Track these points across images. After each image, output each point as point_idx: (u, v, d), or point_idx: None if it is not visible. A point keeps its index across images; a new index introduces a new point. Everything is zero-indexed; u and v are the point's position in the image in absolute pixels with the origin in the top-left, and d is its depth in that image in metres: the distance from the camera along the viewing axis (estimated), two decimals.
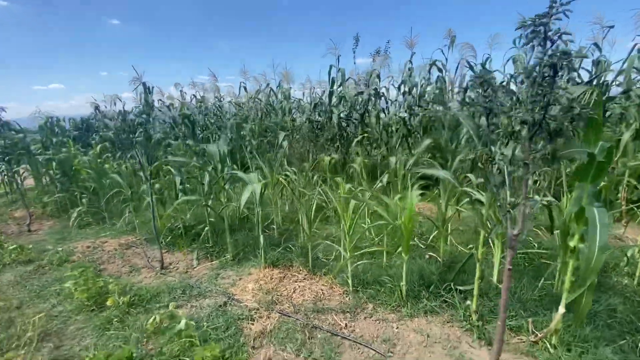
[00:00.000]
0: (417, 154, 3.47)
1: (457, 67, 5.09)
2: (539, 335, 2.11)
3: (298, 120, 6.58)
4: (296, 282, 2.94)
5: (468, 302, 2.41)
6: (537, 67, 1.33)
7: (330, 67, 6.36)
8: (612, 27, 4.66)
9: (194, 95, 9.02)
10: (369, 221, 3.77)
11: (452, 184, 2.72)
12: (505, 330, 1.82)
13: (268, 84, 7.62)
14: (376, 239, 3.57)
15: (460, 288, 2.56)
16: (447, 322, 2.39)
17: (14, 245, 3.86)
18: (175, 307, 2.53)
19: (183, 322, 2.24)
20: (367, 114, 5.64)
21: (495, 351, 1.75)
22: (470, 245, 3.29)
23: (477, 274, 2.28)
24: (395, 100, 6.08)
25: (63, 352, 2.27)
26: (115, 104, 9.93)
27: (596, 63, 4.84)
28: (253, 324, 2.41)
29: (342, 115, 5.93)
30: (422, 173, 3.61)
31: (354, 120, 5.98)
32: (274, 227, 4.11)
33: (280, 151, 4.38)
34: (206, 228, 3.86)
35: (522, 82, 1.42)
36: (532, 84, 1.35)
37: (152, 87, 7.46)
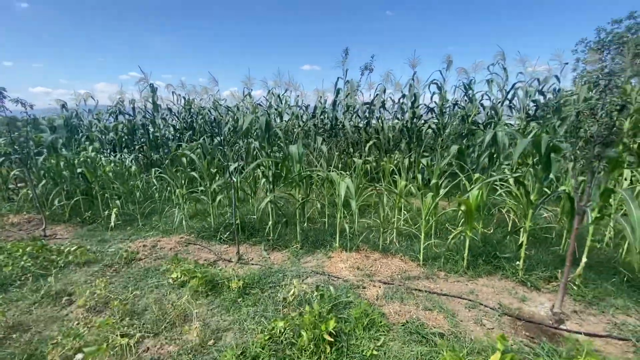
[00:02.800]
0: (449, 157, 4.38)
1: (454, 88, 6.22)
2: (568, 277, 3.09)
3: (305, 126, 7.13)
4: (375, 260, 3.58)
5: (517, 262, 3.32)
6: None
7: (337, 78, 7.09)
8: None
9: (183, 96, 8.96)
10: (405, 212, 4.58)
11: (486, 179, 3.64)
12: (569, 274, 2.70)
13: (270, 90, 8.04)
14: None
15: (505, 256, 3.48)
16: (502, 279, 3.27)
17: (75, 246, 3.80)
18: (297, 283, 2.99)
19: (318, 294, 2.74)
20: (379, 122, 6.47)
21: (561, 289, 2.64)
22: (489, 227, 4.29)
23: (524, 242, 3.20)
24: (397, 110, 7.04)
25: (221, 326, 2.59)
26: (85, 101, 9.39)
27: None
28: (366, 290, 3.01)
29: (354, 123, 6.67)
30: (449, 172, 4.54)
31: (364, 127, 6.78)
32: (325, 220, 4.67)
33: (320, 153, 4.94)
34: (269, 222, 4.26)
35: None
36: (599, 117, 2.26)
37: (157, 87, 7.39)
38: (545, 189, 3.55)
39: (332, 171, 4.60)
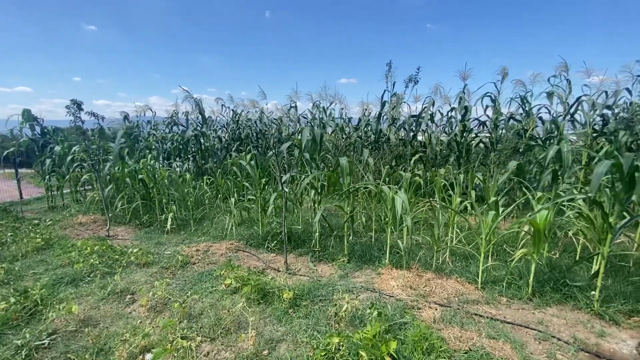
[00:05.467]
0: (508, 173, 4.12)
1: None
2: None
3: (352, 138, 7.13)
4: (429, 280, 3.42)
5: (593, 292, 2.99)
6: None
7: (384, 91, 7.06)
8: None
9: (232, 109, 9.42)
10: (457, 231, 4.36)
11: (556, 199, 3.36)
12: None
13: (314, 103, 8.20)
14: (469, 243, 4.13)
15: (577, 284, 3.16)
16: (574, 309, 2.96)
17: (137, 249, 4.07)
18: (349, 298, 2.93)
19: (375, 312, 2.65)
20: (426, 135, 6.31)
21: None
22: (554, 251, 3.94)
23: (601, 270, 2.88)
24: (445, 123, 6.82)
25: (274, 336, 2.59)
26: (144, 113, 10.15)
27: None
28: (421, 312, 2.87)
29: (398, 136, 6.56)
30: (507, 189, 4.26)
31: (409, 140, 6.64)
32: (372, 234, 4.58)
33: (367, 167, 4.89)
34: (316, 234, 4.26)
35: None
36: None
37: (201, 101, 7.85)
38: (628, 212, 3.19)
39: (381, 185, 4.53)
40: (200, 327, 2.69)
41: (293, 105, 8.22)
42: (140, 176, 5.56)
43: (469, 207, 4.11)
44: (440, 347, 2.36)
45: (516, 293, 3.18)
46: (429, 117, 6.57)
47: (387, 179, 5.12)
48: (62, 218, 6.11)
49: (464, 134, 6.13)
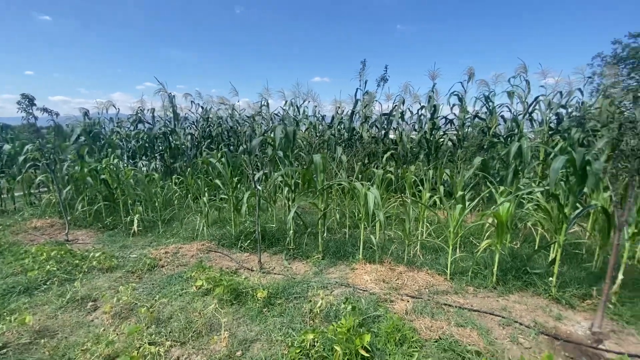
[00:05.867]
0: (473, 169, 4.31)
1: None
2: (608, 296, 2.96)
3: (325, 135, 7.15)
4: (401, 273, 3.50)
5: (550, 279, 3.20)
6: None
7: (357, 89, 7.14)
8: None
9: (201, 105, 9.14)
10: (428, 225, 4.51)
11: (517, 192, 3.56)
12: (609, 292, 2.58)
13: (286, 101, 8.13)
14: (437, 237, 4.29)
15: (536, 272, 3.36)
16: (534, 295, 3.15)
17: (99, 252, 3.83)
18: (323, 295, 2.93)
19: (350, 306, 2.67)
20: (397, 133, 6.45)
21: (600, 308, 2.53)
22: (516, 242, 4.18)
23: (557, 257, 3.09)
24: (415, 121, 7.02)
25: (248, 336, 2.54)
26: (107, 110, 9.63)
27: None
28: (394, 304, 2.93)
29: (371, 134, 6.67)
30: (472, 184, 4.46)
31: (381, 138, 6.76)
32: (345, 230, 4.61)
33: (340, 164, 4.93)
34: (290, 232, 4.23)
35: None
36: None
37: (174, 96, 7.56)
38: (580, 204, 3.44)
39: (354, 181, 4.57)
40: (170, 332, 2.58)
41: (265, 103, 8.11)
42: (102, 176, 5.25)
43: (438, 202, 4.25)
44: (412, 338, 2.43)
45: (482, 282, 3.34)
46: (400, 115, 6.73)
47: (359, 175, 5.19)
48: (13, 223, 5.63)
49: (433, 132, 6.35)
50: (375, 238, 3.78)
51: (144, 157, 7.76)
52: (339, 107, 7.51)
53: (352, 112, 7.03)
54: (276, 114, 8.21)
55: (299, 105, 7.77)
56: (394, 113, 6.72)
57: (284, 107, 7.77)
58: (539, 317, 2.83)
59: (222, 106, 9.03)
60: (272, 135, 4.03)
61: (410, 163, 6.25)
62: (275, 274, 3.67)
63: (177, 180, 6.14)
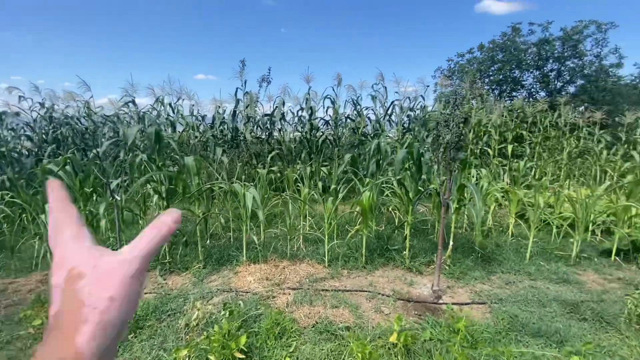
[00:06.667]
0: (344, 165, 4.78)
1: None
2: (442, 260, 3.73)
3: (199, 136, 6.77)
4: (284, 268, 3.61)
5: (404, 252, 3.83)
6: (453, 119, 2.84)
7: (237, 89, 6.99)
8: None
9: (39, 102, 7.38)
10: (310, 219, 4.80)
11: (375, 182, 4.15)
12: (441, 258, 3.25)
13: (157, 98, 7.32)
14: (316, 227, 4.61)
15: (393, 248, 3.98)
16: (394, 268, 3.73)
17: None
18: (201, 305, 2.76)
19: (227, 312, 2.60)
20: (281, 133, 6.61)
21: (436, 271, 3.18)
22: (381, 225, 4.86)
23: (408, 234, 3.74)
24: (297, 122, 7.33)
25: None
26: None
27: None
28: (276, 299, 3.00)
29: (255, 134, 6.64)
30: (346, 178, 4.97)
31: (265, 138, 6.82)
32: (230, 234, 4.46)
33: (221, 165, 4.75)
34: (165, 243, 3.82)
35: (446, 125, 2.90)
36: (452, 127, 2.85)
37: None
38: (420, 188, 4.23)
39: (235, 183, 4.47)
40: None
41: (131, 99, 7.10)
42: None
43: (317, 196, 4.56)
44: (292, 328, 2.54)
45: (354, 264, 3.76)
46: (281, 116, 6.94)
47: (243, 176, 5.11)
48: None
49: (313, 132, 6.77)
50: (256, 238, 3.79)
51: None
52: (219, 107, 7.20)
53: (234, 112, 6.85)
54: (144, 112, 7.29)
55: (172, 104, 7.10)
56: (275, 114, 6.88)
57: (154, 105, 6.96)
58: (396, 285, 3.37)
59: (73, 103, 7.46)
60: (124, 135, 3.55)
61: (294, 162, 6.52)
62: (145, 293, 3.27)
63: (4, 196, 4.77)
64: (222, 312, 2.63)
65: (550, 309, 2.95)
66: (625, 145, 7.25)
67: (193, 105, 7.31)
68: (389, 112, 7.11)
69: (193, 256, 3.98)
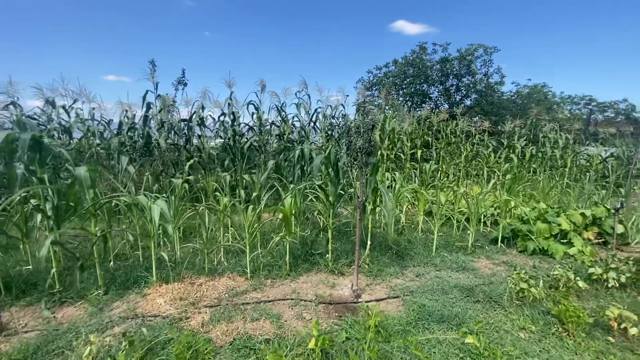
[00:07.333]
0: (268, 171, 4.70)
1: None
2: (360, 260, 3.92)
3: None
4: (201, 285, 3.36)
5: (327, 255, 3.91)
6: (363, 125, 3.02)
7: (146, 92, 6.38)
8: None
9: None
10: (232, 229, 4.60)
11: (300, 189, 4.18)
12: (360, 259, 3.39)
13: (46, 100, 6.25)
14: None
15: (316, 252, 4.04)
16: (318, 272, 3.78)
17: None
18: (95, 338, 2.38)
19: (127, 342, 2.30)
20: (200, 140, 6.20)
21: (355, 271, 3.31)
22: (306, 230, 4.90)
23: (330, 237, 3.83)
24: (219, 128, 6.99)
25: None
26: None
27: None
28: (190, 321, 2.76)
29: (171, 141, 6.13)
30: (271, 185, 4.91)
31: (182, 145, 6.33)
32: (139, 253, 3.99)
33: (127, 175, 4.26)
34: (52, 270, 3.23)
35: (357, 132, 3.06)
36: (362, 134, 3.03)
37: None
38: (341, 192, 4.40)
39: (141, 195, 4.05)
40: None
41: (11, 101, 5.92)
42: None
43: (238, 205, 4.38)
44: (206, 350, 2.36)
45: (278, 272, 3.70)
46: (200, 121, 6.55)
47: (156, 187, 4.65)
48: None
49: (236, 138, 6.54)
50: (169, 255, 3.46)
51: None
52: (127, 111, 6.46)
53: (145, 117, 6.22)
54: (32, 117, 6.16)
55: (66, 107, 6.12)
56: (193, 119, 6.46)
57: (43, 108, 5.91)
58: (319, 289, 3.41)
59: None
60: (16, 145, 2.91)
61: (214, 170, 6.18)
62: (25, 332, 2.70)
63: None
64: (124, 344, 2.31)
65: (452, 296, 3.31)
66: (507, 149, 8.69)
67: (94, 108, 6.42)
68: (313, 119, 7.28)
69: (92, 281, 3.45)
